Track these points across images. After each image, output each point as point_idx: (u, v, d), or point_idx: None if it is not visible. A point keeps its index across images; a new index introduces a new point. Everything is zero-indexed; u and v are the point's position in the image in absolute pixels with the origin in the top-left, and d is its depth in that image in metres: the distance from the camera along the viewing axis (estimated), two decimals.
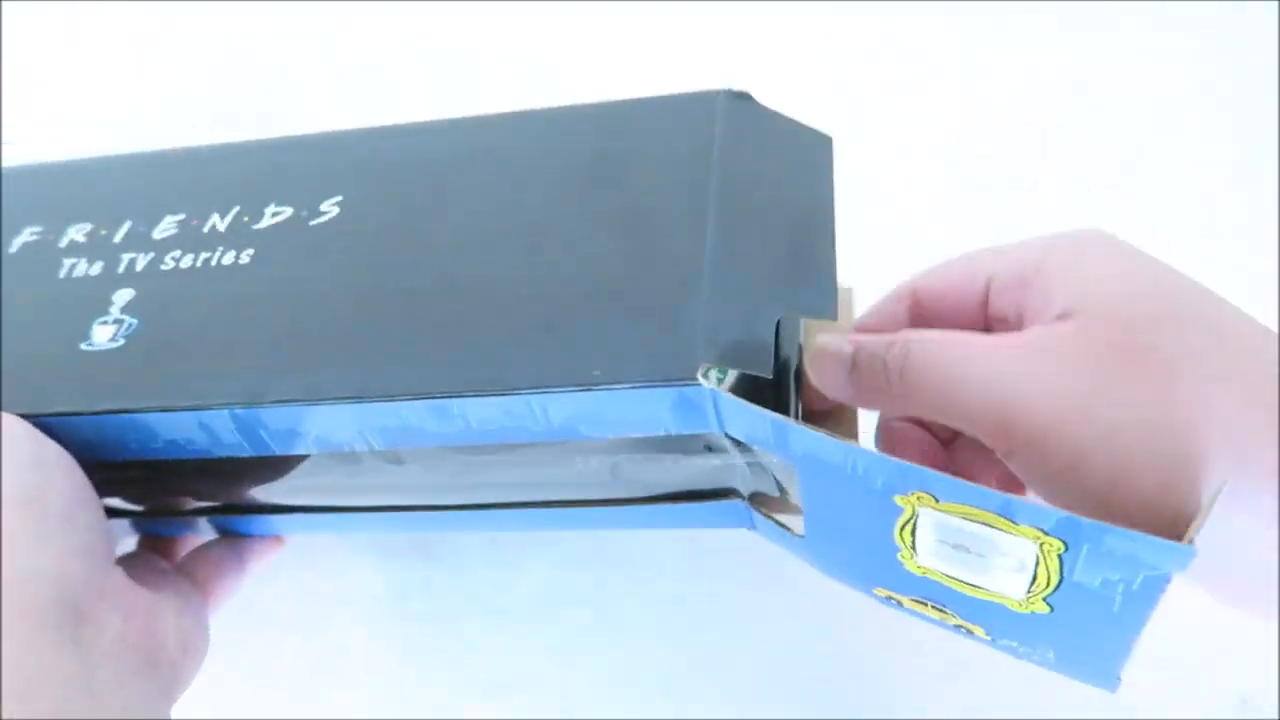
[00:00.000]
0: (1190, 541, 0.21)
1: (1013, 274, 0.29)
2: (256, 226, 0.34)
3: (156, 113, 0.58)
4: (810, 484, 0.27)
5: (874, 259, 0.36)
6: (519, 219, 0.31)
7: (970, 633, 0.28)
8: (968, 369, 0.26)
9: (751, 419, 0.26)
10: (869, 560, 0.28)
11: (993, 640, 0.28)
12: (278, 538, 0.38)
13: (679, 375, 0.25)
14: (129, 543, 0.38)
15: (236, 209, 0.35)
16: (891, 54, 0.56)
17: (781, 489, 0.30)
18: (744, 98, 0.32)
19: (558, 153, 0.33)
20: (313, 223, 0.33)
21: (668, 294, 0.28)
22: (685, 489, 0.31)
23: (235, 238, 0.34)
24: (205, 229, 0.34)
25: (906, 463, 0.23)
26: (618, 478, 0.31)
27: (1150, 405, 0.24)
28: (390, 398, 0.28)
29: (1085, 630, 0.25)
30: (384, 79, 0.57)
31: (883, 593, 0.29)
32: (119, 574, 0.30)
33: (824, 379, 0.29)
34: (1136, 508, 0.23)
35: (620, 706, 0.38)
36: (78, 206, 0.37)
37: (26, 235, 0.36)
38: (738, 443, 0.28)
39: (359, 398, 0.28)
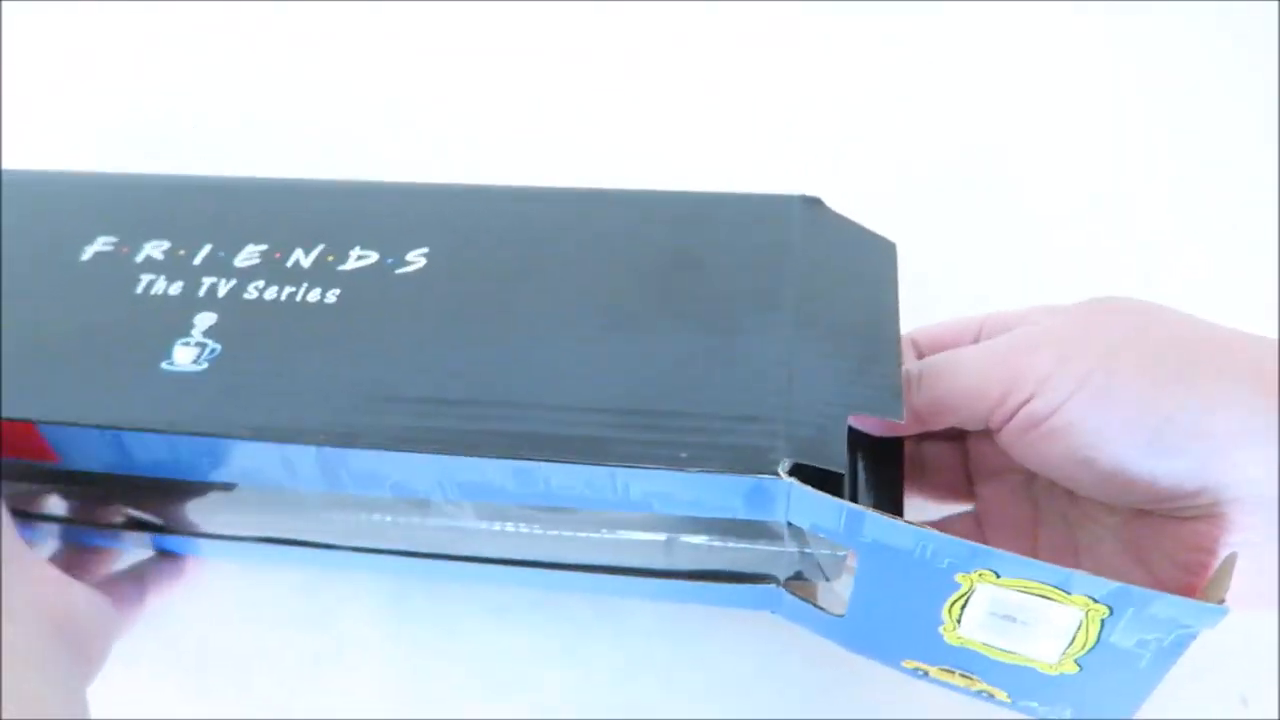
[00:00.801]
0: (1222, 602, 0.25)
1: (1000, 322, 0.34)
2: (342, 268, 0.35)
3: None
4: (869, 566, 0.30)
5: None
6: (602, 299, 0.34)
7: (991, 696, 0.32)
8: (964, 359, 0.31)
9: (823, 509, 0.29)
10: (907, 635, 0.32)
11: (1013, 702, 0.32)
12: (179, 570, 0.38)
13: (760, 467, 0.28)
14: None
15: (321, 247, 0.36)
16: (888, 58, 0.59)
17: (824, 574, 0.33)
18: (816, 203, 0.36)
19: (641, 238, 0.36)
20: (398, 271, 0.35)
21: (749, 387, 0.30)
22: (728, 569, 0.34)
23: (320, 275, 0.35)
24: (289, 263, 0.35)
25: (978, 544, 0.27)
26: (670, 553, 0.34)
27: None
28: (479, 454, 0.30)
29: (1109, 686, 0.29)
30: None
31: (911, 664, 0.32)
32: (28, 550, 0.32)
33: None
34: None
35: (620, 706, 0.38)
36: (154, 223, 0.37)
37: (100, 244, 0.36)
38: (793, 529, 0.31)
39: (448, 450, 0.30)
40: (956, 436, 0.37)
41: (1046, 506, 0.34)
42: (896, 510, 0.32)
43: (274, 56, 0.63)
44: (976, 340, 0.35)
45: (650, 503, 0.30)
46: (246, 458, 0.31)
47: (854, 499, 0.33)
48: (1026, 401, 0.30)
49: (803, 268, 0.34)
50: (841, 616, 0.32)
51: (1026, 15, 0.60)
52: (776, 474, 0.28)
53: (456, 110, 0.59)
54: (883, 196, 0.48)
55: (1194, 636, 0.26)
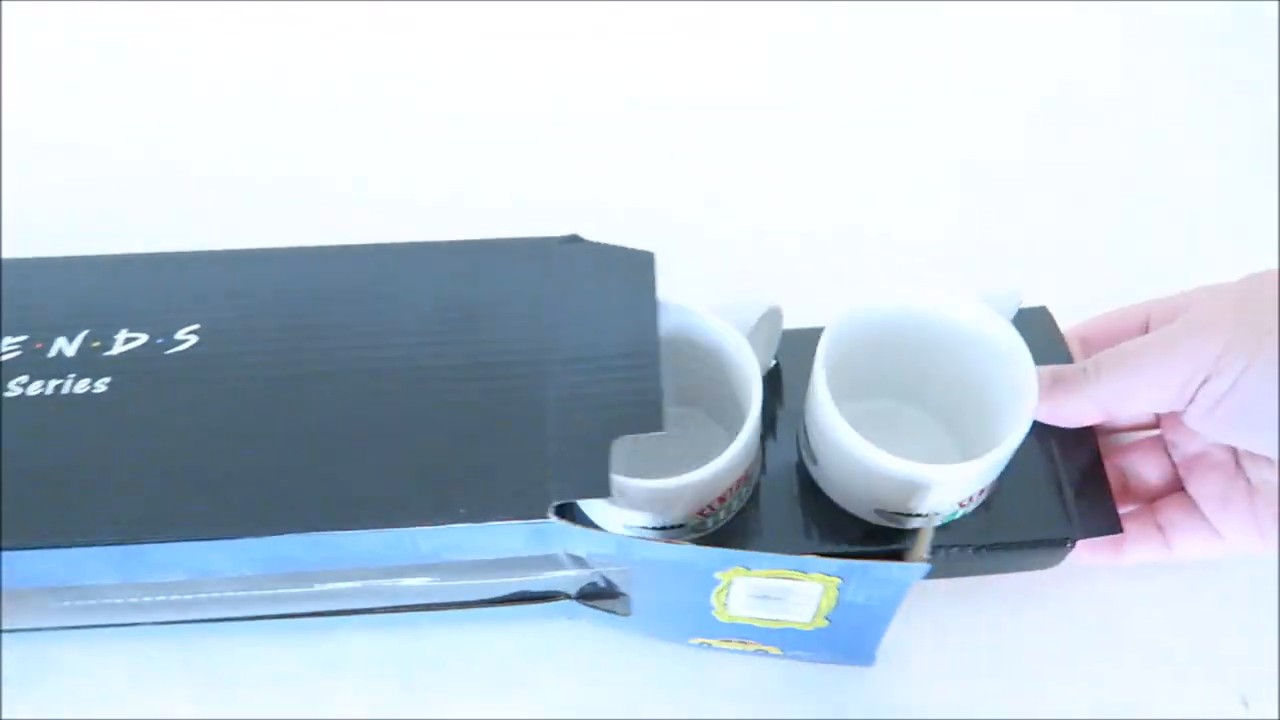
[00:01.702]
0: (923, 560, 0.31)
1: (1167, 308, 0.35)
2: (108, 353, 0.34)
3: None
4: (643, 577, 0.34)
5: None
6: (379, 357, 0.34)
7: (766, 653, 0.37)
8: (1140, 349, 0.33)
9: (596, 540, 0.32)
10: (686, 620, 0.36)
11: (784, 653, 0.37)
12: None
13: (533, 513, 0.31)
14: None
15: (85, 333, 0.34)
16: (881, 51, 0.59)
17: (609, 583, 0.36)
18: (574, 239, 0.37)
19: (416, 292, 0.36)
20: (169, 352, 0.34)
21: (519, 437, 0.32)
22: (525, 593, 0.37)
23: (86, 365, 0.34)
24: (51, 353, 0.34)
25: (728, 550, 0.31)
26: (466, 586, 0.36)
27: None
28: (270, 532, 0.30)
29: (855, 631, 0.35)
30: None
31: (696, 640, 0.37)
32: None
33: (1047, 394, 0.34)
34: None
35: (620, 706, 0.38)
36: None
37: None
38: (575, 558, 0.34)
39: (235, 535, 0.30)
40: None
41: (1252, 473, 0.35)
42: (1104, 496, 0.36)
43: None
44: (1145, 328, 0.36)
45: (440, 553, 0.32)
46: (37, 564, 0.31)
47: (1059, 489, 0.36)
48: (1205, 382, 0.32)
49: (564, 307, 0.35)
50: (629, 615, 0.37)
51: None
52: (548, 518, 0.31)
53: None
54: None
55: (909, 585, 0.32)
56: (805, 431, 0.37)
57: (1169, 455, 0.37)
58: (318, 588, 0.37)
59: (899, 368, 0.39)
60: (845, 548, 0.36)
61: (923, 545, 0.31)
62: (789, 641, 0.36)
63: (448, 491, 0.31)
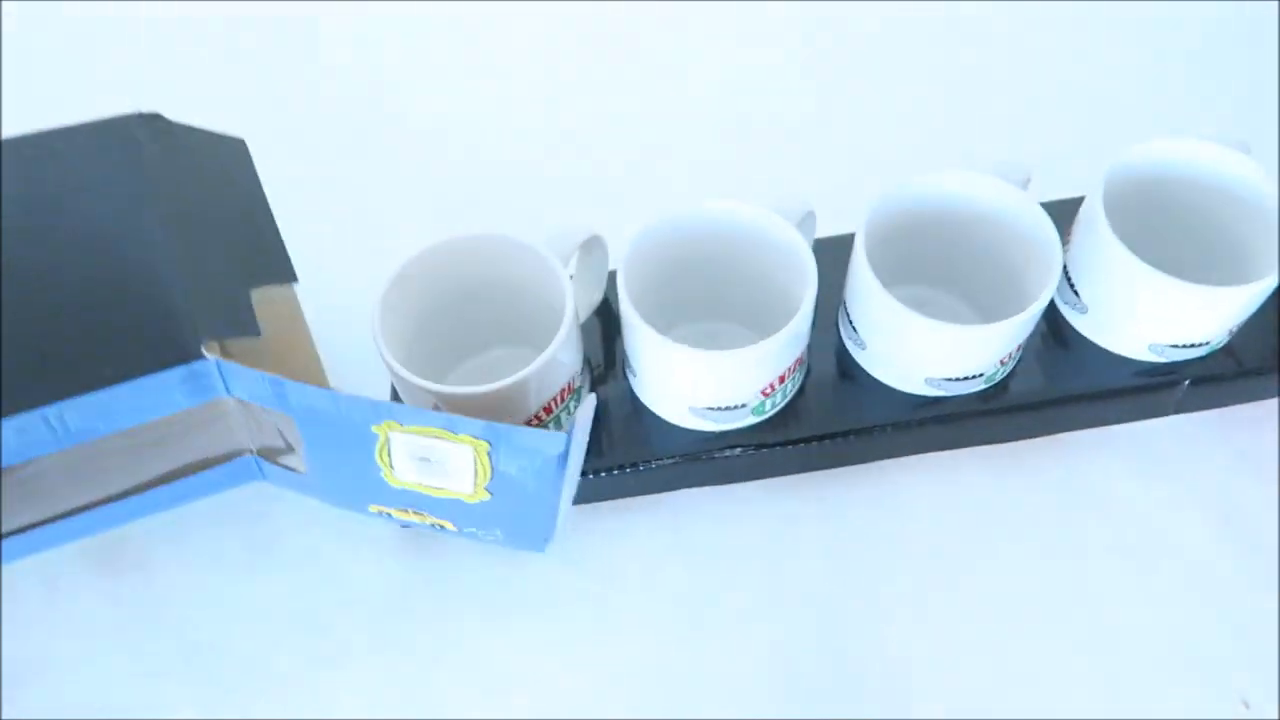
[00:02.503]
0: (566, 430, 0.30)
1: None
2: None
3: None
4: (307, 429, 0.33)
5: None
6: None
7: (443, 528, 0.36)
8: None
9: (253, 382, 0.31)
10: (361, 483, 0.35)
11: (459, 530, 0.36)
12: None
13: (187, 355, 0.30)
14: None
15: None
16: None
17: (285, 440, 0.35)
18: (156, 118, 0.35)
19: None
20: None
21: (151, 299, 0.31)
22: (202, 458, 0.36)
23: None
24: None
25: (378, 400, 0.30)
26: (141, 465, 0.35)
27: None
28: None
29: (517, 508, 0.34)
30: None
31: (376, 509, 0.36)
32: None
33: None
34: None
35: (620, 706, 0.38)
36: None
37: None
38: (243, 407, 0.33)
39: None
40: None
41: None
42: None
43: None
44: None
45: (95, 427, 0.31)
46: None
47: None
48: None
49: (163, 182, 0.34)
50: (306, 474, 0.36)
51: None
52: (203, 355, 0.30)
53: None
54: None
55: (553, 461, 0.31)
56: (849, 320, 0.40)
57: None
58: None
59: (927, 253, 0.40)
60: (894, 419, 0.39)
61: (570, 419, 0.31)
62: (459, 516, 0.35)
63: (86, 362, 0.30)
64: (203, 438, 0.35)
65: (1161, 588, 0.40)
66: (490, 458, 0.32)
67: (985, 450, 0.42)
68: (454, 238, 0.37)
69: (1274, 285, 0.36)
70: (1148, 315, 0.38)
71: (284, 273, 0.33)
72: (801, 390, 0.41)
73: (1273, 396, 0.42)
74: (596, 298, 0.42)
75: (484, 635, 0.40)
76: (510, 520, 0.35)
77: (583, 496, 0.41)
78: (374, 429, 0.32)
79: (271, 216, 0.34)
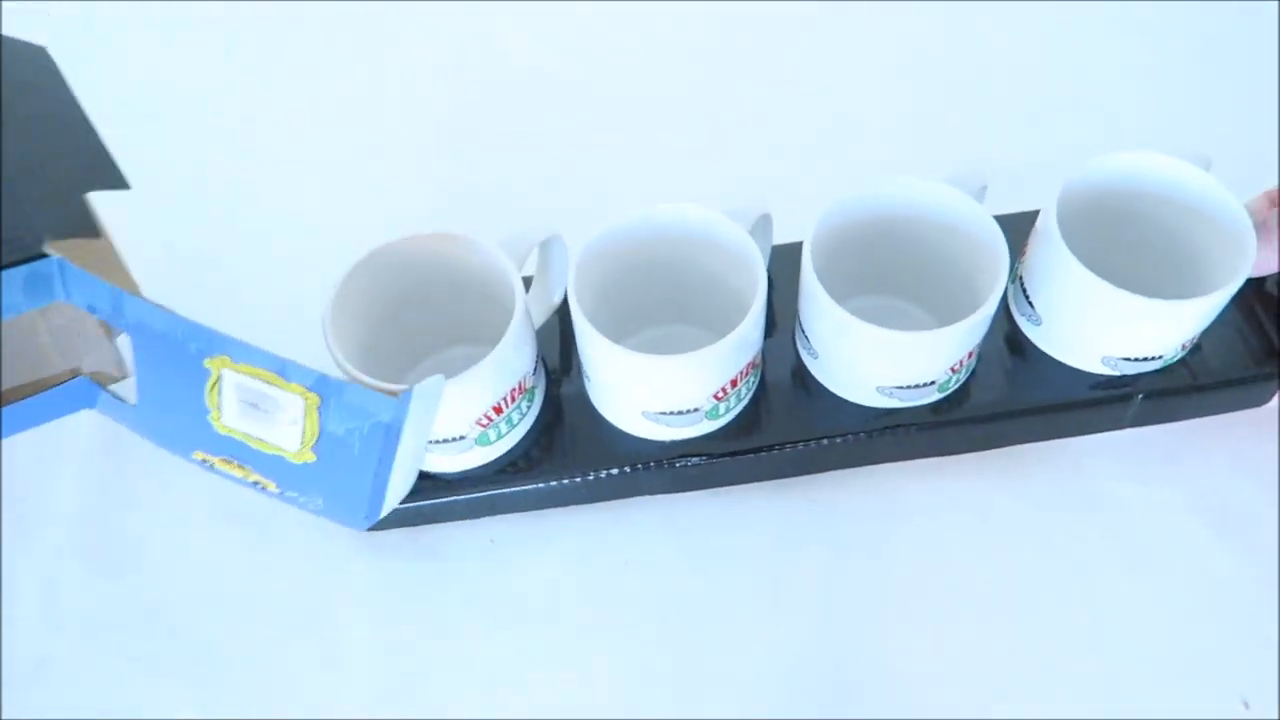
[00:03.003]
0: (394, 395, 0.29)
1: None
2: None
3: None
4: (142, 352, 0.31)
5: None
6: None
7: (265, 488, 0.34)
8: None
9: (93, 289, 0.29)
10: (188, 424, 0.33)
11: (281, 493, 0.34)
12: None
13: (28, 253, 0.28)
14: None
15: None
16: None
17: (118, 366, 0.34)
18: None
19: None
20: None
21: None
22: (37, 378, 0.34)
23: None
24: None
25: (214, 330, 0.29)
26: None
27: None
28: None
29: (340, 475, 0.32)
30: None
31: (200, 455, 0.34)
32: None
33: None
34: None
35: (620, 706, 0.38)
36: None
37: None
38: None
39: None
40: None
41: None
42: None
43: None
44: None
45: None
46: None
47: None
48: None
49: None
50: (136, 406, 0.33)
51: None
52: (45, 253, 0.28)
53: None
54: None
55: (381, 427, 0.29)
56: (802, 329, 0.39)
57: None
58: None
59: (880, 261, 0.40)
60: (846, 429, 0.39)
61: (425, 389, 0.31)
62: (283, 476, 0.33)
63: None
64: (33, 353, 0.34)
65: (1161, 588, 0.40)
66: (320, 415, 0.30)
67: (983, 452, 0.42)
68: (406, 238, 0.37)
69: (1224, 300, 0.36)
70: (1099, 327, 0.38)
71: (114, 179, 0.31)
72: (759, 398, 0.41)
73: (1230, 410, 0.43)
74: (556, 299, 0.42)
75: (484, 635, 0.40)
76: (333, 488, 0.34)
77: (535, 503, 0.41)
78: (206, 363, 0.31)
79: (90, 123, 0.33)
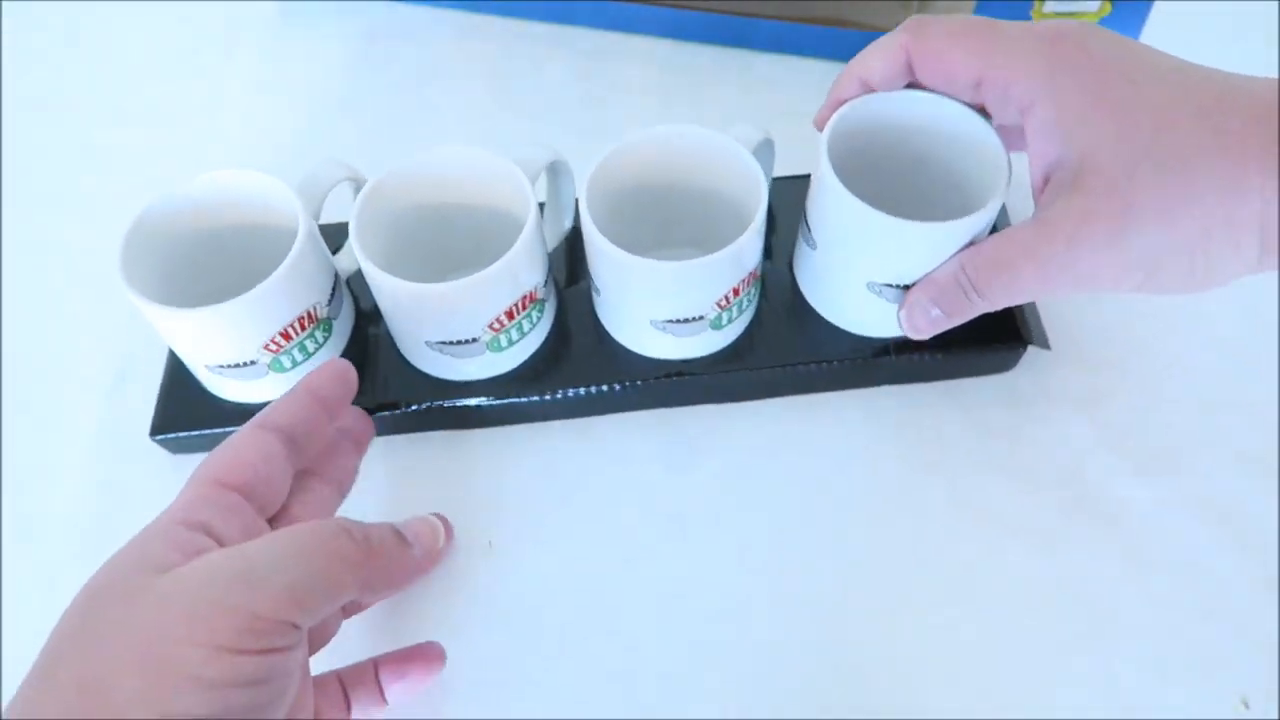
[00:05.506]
0: None
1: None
2: None
3: None
4: None
5: None
6: None
7: None
8: (1021, 268, 0.33)
9: None
10: None
11: None
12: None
13: None
14: None
15: None
16: None
17: None
18: None
19: None
20: None
21: None
22: None
23: None
24: None
25: None
26: None
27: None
28: None
29: None
30: None
31: None
32: None
33: (916, 323, 0.38)
34: None
35: (620, 706, 0.37)
36: None
37: None
38: None
39: None
40: None
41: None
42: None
43: None
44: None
45: None
46: None
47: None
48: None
49: None
50: None
51: None
52: None
53: None
54: None
55: None
56: (807, 225, 0.41)
57: None
58: None
59: (887, 176, 0.40)
60: (831, 356, 0.41)
61: None
62: None
63: None
64: None
65: (1161, 587, 0.39)
66: None
67: (983, 452, 0.42)
68: (426, 154, 0.39)
69: (976, 225, 0.36)
70: (860, 250, 0.39)
71: None
72: (760, 320, 0.43)
73: (978, 374, 0.43)
74: (566, 224, 0.44)
75: (483, 635, 0.39)
76: None
77: (542, 415, 0.43)
78: None
79: None
